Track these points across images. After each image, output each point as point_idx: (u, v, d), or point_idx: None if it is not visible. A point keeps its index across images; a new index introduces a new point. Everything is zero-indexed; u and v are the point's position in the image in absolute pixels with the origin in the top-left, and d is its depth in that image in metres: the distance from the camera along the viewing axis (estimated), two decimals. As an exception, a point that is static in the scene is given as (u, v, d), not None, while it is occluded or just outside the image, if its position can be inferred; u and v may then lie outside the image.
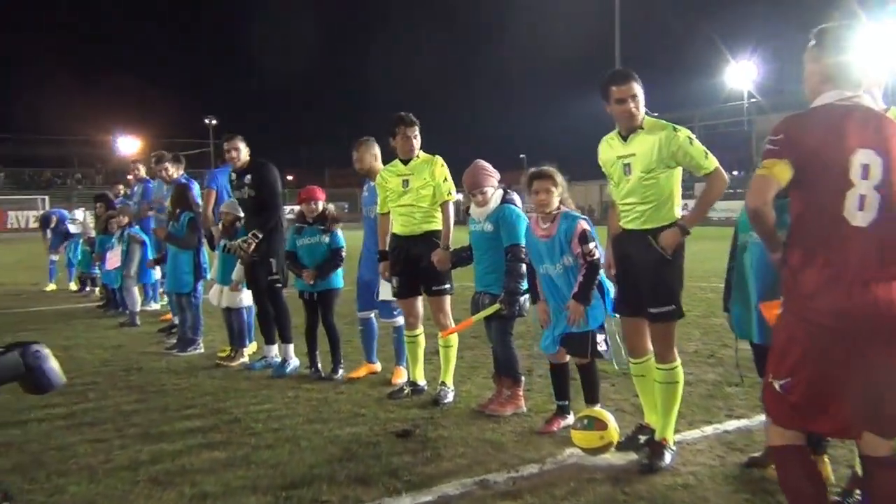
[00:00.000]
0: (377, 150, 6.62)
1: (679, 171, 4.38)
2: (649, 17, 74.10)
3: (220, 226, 7.47)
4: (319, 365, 6.88)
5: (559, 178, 4.89)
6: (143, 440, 5.07)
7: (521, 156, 66.45)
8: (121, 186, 12.23)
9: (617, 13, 39.06)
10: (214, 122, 69.06)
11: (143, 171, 11.25)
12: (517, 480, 4.23)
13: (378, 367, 6.86)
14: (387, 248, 6.05)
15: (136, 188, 11.38)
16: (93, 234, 12.90)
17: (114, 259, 10.35)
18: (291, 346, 7.13)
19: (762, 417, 5.05)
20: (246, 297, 7.47)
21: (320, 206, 6.74)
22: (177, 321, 8.78)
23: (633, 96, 4.34)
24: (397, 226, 5.97)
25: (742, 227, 4.22)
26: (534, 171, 4.94)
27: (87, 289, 13.96)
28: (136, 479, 4.35)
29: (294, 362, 7.09)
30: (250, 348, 7.69)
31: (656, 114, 4.56)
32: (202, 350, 8.04)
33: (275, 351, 7.25)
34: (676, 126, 4.35)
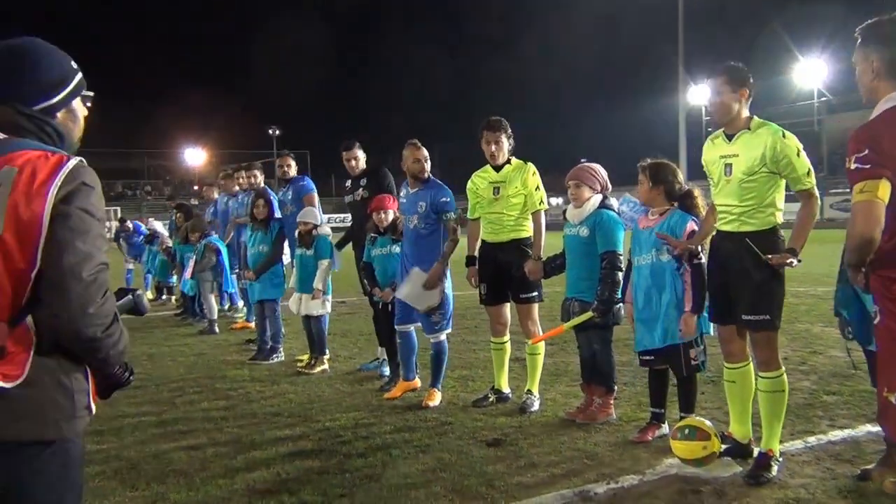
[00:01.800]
0: (421, 153, 6.29)
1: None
2: (714, 13, 72.64)
3: (298, 234, 7.50)
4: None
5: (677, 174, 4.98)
6: (236, 448, 5.10)
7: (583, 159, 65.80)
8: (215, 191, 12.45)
9: (681, 9, 38.41)
10: (278, 132, 69.98)
11: (215, 193, 11.71)
12: (618, 492, 4.12)
13: (418, 383, 6.52)
14: (476, 255, 5.99)
15: (210, 208, 11.77)
16: (170, 243, 13.17)
17: (190, 268, 10.56)
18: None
19: (868, 427, 4.89)
20: (325, 305, 7.50)
21: (391, 215, 6.62)
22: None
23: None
24: (486, 233, 5.92)
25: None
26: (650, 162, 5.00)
27: (164, 297, 14.27)
28: (234, 487, 4.37)
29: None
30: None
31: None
32: (283, 358, 8.10)
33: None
34: (786, 132, 4.20)
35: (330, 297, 7.65)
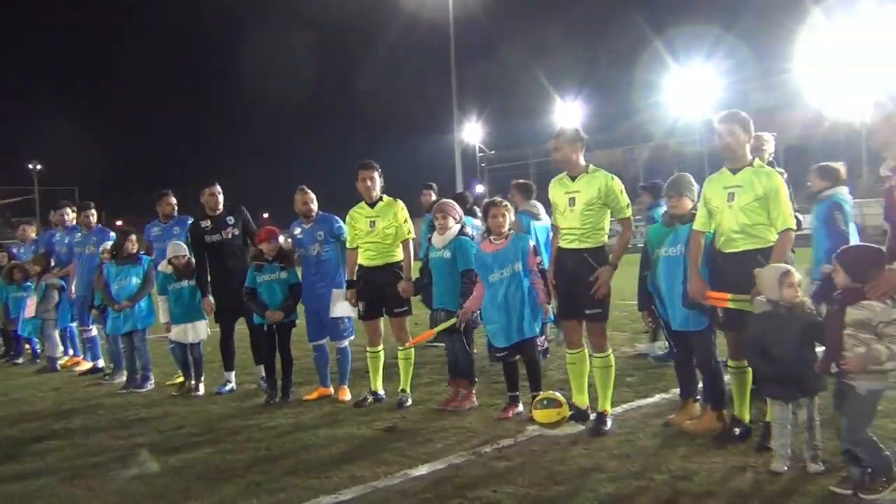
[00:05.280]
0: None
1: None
2: (482, 61, 78.20)
3: (173, 268, 8.13)
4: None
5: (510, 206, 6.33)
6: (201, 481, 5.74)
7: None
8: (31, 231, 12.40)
9: (452, 62, 41.52)
10: (39, 167, 64.93)
11: (32, 233, 12.05)
12: (500, 450, 5.43)
13: (331, 390, 7.58)
14: (354, 278, 7.11)
15: (30, 246, 11.82)
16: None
17: (31, 308, 10.59)
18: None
19: (662, 395, 6.60)
20: (204, 331, 8.21)
21: (279, 243, 7.60)
22: (88, 364, 9.91)
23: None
24: (364, 259, 7.05)
25: (653, 245, 5.70)
26: (490, 201, 6.34)
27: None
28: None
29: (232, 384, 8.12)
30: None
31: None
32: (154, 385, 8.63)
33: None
34: (614, 176, 5.77)
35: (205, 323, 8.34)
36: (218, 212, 8.03)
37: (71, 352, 10.87)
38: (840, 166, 7.37)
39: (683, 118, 50.96)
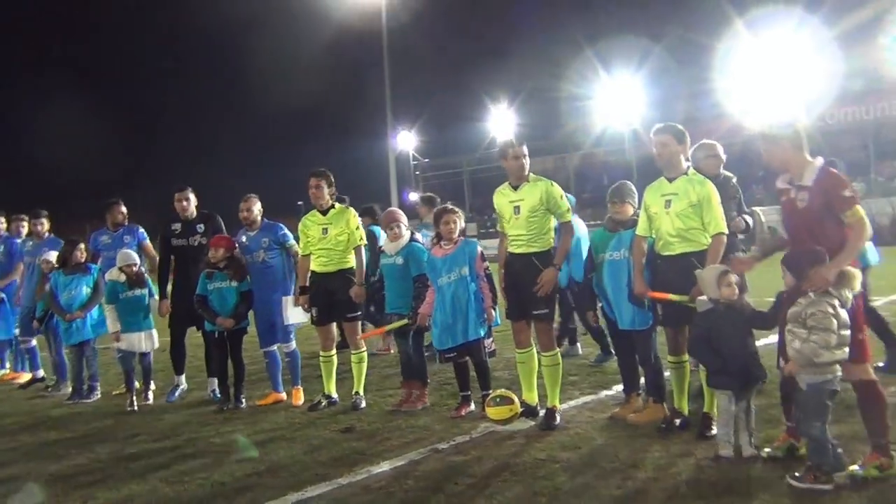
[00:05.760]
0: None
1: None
2: (416, 69, 78.67)
3: (125, 276, 8.13)
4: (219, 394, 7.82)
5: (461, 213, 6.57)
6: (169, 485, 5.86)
7: (300, 203, 67.27)
8: None
9: (386, 69, 41.73)
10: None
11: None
12: (457, 446, 5.68)
13: (284, 395, 7.72)
14: (307, 284, 7.26)
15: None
16: None
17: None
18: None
19: (607, 392, 6.94)
20: (155, 340, 8.23)
21: (230, 252, 7.67)
22: (40, 375, 9.67)
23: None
24: (316, 265, 7.21)
25: (597, 250, 6.03)
26: (441, 209, 6.60)
27: None
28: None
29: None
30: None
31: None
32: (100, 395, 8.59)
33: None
34: (554, 183, 6.09)
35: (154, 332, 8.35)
36: (190, 217, 8.12)
37: (8, 365, 10.68)
38: None
39: (612, 127, 52.18)
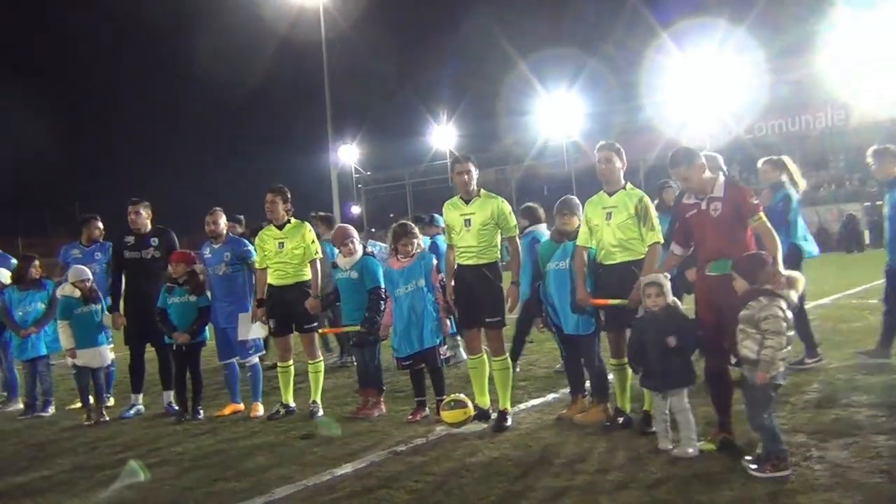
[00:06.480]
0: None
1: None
2: (358, 83, 78.88)
3: (80, 292, 8.18)
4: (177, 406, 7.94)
5: (417, 231, 6.87)
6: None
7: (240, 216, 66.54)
8: None
9: (326, 83, 41.84)
10: None
11: None
12: (415, 447, 5.97)
13: (242, 406, 7.91)
14: (264, 297, 7.47)
15: None
16: None
17: None
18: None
19: (554, 395, 7.31)
20: (109, 356, 8.29)
21: (190, 267, 7.81)
22: None
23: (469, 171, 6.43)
24: (273, 278, 7.42)
25: (544, 259, 6.41)
26: (399, 228, 6.86)
27: None
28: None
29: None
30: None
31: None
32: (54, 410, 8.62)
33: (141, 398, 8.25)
34: (504, 199, 6.46)
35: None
36: (144, 231, 8.17)
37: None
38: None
39: (552, 140, 53.19)
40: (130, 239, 8.18)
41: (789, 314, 4.80)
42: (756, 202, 5.29)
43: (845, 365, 7.58)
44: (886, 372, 7.13)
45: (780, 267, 4.99)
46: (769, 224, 5.25)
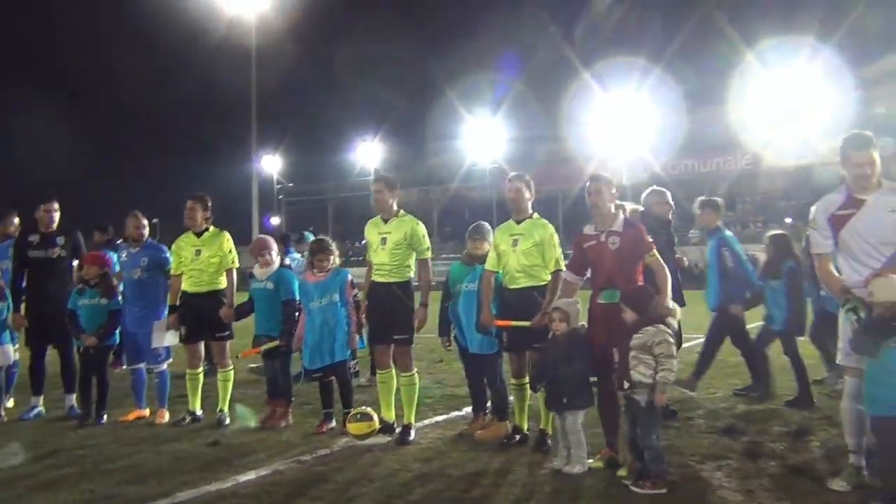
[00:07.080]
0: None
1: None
2: (286, 94, 78.36)
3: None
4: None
5: (334, 247, 7.06)
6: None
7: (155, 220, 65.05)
8: None
9: (254, 90, 41.62)
10: None
11: None
12: (320, 457, 6.14)
13: (147, 412, 7.89)
14: (177, 303, 7.52)
15: None
16: None
17: None
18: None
19: (458, 412, 7.59)
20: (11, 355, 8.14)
21: (103, 270, 7.80)
22: None
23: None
24: (188, 285, 7.49)
25: (454, 281, 6.71)
26: (316, 244, 7.06)
27: None
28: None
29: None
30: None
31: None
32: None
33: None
34: (419, 221, 6.74)
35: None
36: (50, 230, 8.05)
37: None
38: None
39: (476, 164, 53.98)
40: (35, 238, 8.05)
41: (673, 340, 5.24)
42: (651, 240, 5.73)
43: (727, 394, 8.13)
44: (765, 401, 7.70)
45: (668, 300, 5.42)
46: (661, 260, 5.66)
